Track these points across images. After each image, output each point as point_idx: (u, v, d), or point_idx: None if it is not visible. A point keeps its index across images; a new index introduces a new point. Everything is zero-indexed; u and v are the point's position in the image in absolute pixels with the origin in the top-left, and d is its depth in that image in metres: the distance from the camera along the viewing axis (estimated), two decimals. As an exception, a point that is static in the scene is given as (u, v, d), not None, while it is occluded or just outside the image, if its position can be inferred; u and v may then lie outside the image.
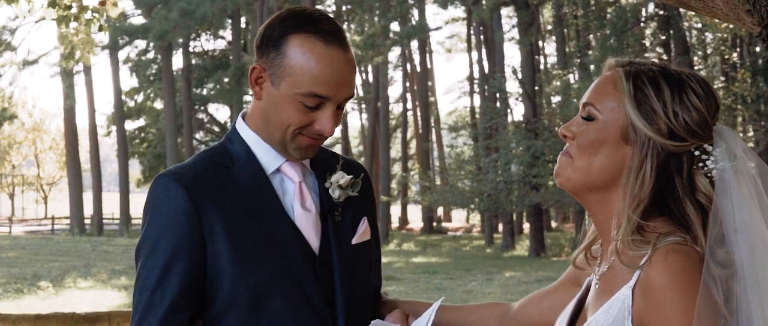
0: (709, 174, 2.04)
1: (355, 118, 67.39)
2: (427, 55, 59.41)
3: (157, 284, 2.38)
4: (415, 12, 49.77)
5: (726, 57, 32.92)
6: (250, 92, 2.53)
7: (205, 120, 58.64)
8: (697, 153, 2.04)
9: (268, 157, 2.51)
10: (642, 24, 34.74)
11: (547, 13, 44.80)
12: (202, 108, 57.70)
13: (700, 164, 2.04)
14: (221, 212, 2.41)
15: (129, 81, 74.35)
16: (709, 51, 35.21)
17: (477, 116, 46.88)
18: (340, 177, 2.56)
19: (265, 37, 2.46)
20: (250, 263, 2.40)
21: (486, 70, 46.60)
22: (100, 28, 8.22)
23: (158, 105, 55.53)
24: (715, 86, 31.00)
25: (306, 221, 2.49)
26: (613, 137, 2.09)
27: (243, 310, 2.41)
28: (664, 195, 2.06)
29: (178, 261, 2.38)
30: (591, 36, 38.62)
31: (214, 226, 2.40)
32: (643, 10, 34.95)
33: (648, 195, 2.04)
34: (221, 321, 2.43)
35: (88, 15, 8.07)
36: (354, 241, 2.56)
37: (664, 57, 33.26)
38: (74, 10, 8.00)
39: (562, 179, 2.18)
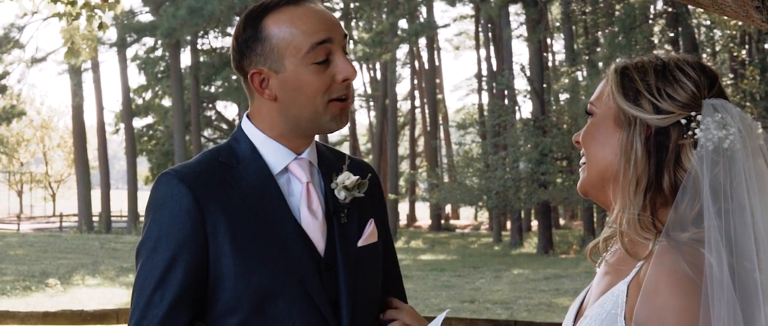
0: (697, 145, 2.01)
1: (363, 116, 67.50)
2: (435, 52, 59.40)
3: (157, 284, 2.34)
4: (423, 9, 49.76)
5: (735, 54, 32.83)
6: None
7: (213, 117, 58.72)
8: (684, 121, 2.02)
9: (276, 156, 2.48)
10: (650, 21, 34.67)
11: (555, 11, 44.71)
12: (210, 105, 57.79)
13: (690, 133, 2.01)
14: (225, 212, 2.38)
15: (137, 78, 74.65)
16: (717, 48, 35.13)
17: (485, 113, 46.83)
18: (346, 178, 2.52)
19: (243, 42, 2.45)
20: (253, 265, 2.37)
21: (494, 68, 46.56)
22: (101, 27, 8.18)
23: (166, 102, 55.65)
24: (724, 83, 30.89)
25: (312, 223, 2.46)
26: (607, 125, 2.12)
27: (245, 312, 2.38)
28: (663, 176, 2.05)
29: (179, 261, 2.35)
30: (599, 33, 38.54)
31: (217, 227, 2.37)
32: (652, 7, 34.88)
33: (645, 175, 2.04)
34: (223, 323, 2.40)
35: (91, 11, 8.05)
36: (360, 243, 2.53)
37: (673, 55, 33.18)
38: (80, 4, 7.97)
39: (579, 185, 2.21)
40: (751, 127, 2.04)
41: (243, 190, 2.42)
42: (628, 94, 2.08)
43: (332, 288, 2.46)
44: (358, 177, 2.54)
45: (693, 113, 2.03)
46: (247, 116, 2.55)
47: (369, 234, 2.56)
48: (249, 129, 2.52)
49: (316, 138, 2.62)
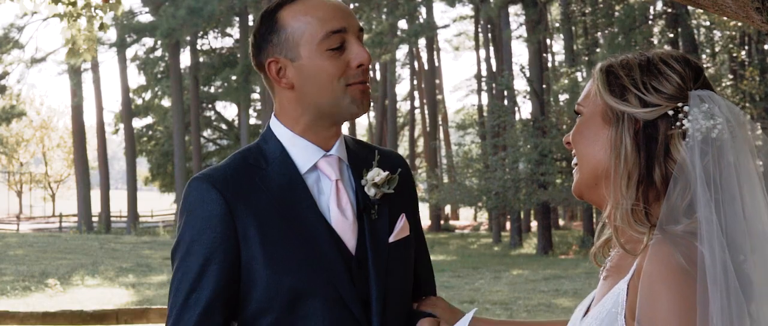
0: (686, 136, 2.02)
1: (363, 116, 67.41)
2: (435, 52, 59.40)
3: (192, 287, 2.39)
4: (423, 10, 49.74)
5: (734, 55, 32.80)
6: (267, 91, 2.52)
7: (213, 118, 58.73)
8: (671, 113, 2.04)
9: (304, 153, 2.50)
10: (650, 22, 34.64)
11: (554, 11, 44.69)
12: (210, 106, 57.79)
13: (678, 124, 2.03)
14: (255, 215, 2.41)
15: (137, 79, 74.67)
16: (717, 49, 35.11)
17: (485, 114, 46.79)
18: (376, 175, 2.52)
19: (260, 36, 2.49)
20: (284, 266, 2.40)
21: (494, 68, 46.54)
22: (101, 27, 8.20)
23: (166, 103, 55.64)
24: (724, 84, 30.95)
25: (342, 221, 2.47)
26: (596, 123, 2.14)
27: (278, 312, 2.41)
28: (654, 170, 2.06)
29: (212, 265, 2.39)
30: (599, 34, 38.50)
31: (248, 230, 2.40)
32: (651, 7, 34.86)
33: (636, 169, 2.04)
34: (256, 323, 2.43)
35: (92, 12, 8.04)
36: (391, 239, 2.53)
37: (657, 50, 33.15)
38: (80, 4, 7.98)
39: (574, 187, 2.23)
40: (739, 118, 2.05)
41: (272, 191, 2.44)
42: (614, 91, 2.10)
43: (363, 287, 2.47)
44: (387, 172, 2.54)
45: (680, 104, 2.04)
46: (275, 115, 2.57)
47: (400, 229, 2.57)
48: (276, 128, 2.54)
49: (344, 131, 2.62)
